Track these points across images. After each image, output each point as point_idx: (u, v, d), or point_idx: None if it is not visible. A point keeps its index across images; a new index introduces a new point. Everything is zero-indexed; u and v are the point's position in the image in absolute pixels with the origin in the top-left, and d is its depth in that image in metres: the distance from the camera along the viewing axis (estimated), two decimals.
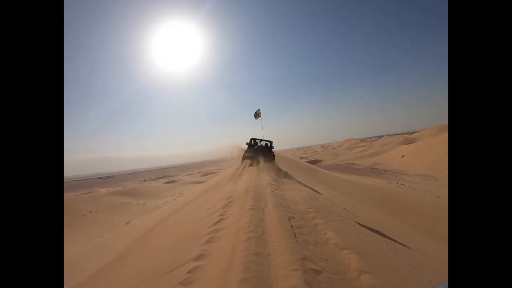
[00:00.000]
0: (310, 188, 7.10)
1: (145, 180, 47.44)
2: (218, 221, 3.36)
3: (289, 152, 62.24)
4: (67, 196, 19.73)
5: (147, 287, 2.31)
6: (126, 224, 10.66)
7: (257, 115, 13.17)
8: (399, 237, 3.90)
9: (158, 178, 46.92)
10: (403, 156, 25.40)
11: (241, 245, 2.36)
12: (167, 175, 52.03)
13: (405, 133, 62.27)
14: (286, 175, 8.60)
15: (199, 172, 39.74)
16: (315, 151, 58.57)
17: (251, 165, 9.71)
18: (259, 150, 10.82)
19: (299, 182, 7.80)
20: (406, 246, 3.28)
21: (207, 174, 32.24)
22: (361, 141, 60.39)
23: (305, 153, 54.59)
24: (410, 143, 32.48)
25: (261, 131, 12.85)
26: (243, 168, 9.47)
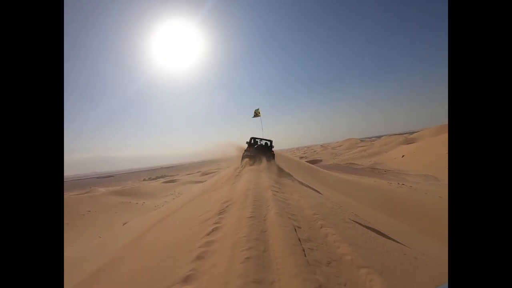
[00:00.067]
0: (313, 190, 6.97)
1: (144, 180, 47.46)
2: (212, 231, 2.97)
3: (288, 152, 62.32)
4: (66, 195, 19.74)
5: None
6: (123, 225, 10.64)
7: (256, 114, 13.17)
8: (412, 242, 3.68)
9: (157, 177, 46.95)
10: (403, 156, 25.44)
11: (238, 267, 1.96)
12: (166, 174, 52.07)
13: (405, 133, 62.38)
14: (287, 176, 8.47)
15: (198, 172, 39.75)
16: (315, 151, 58.66)
17: (251, 164, 9.69)
18: (259, 149, 10.84)
19: (302, 183, 7.69)
20: (424, 255, 3.08)
21: (206, 174, 32.23)
22: (361, 141, 60.51)
23: (304, 153, 54.63)
24: (410, 143, 32.52)
25: (261, 131, 12.87)
26: (243, 168, 9.40)
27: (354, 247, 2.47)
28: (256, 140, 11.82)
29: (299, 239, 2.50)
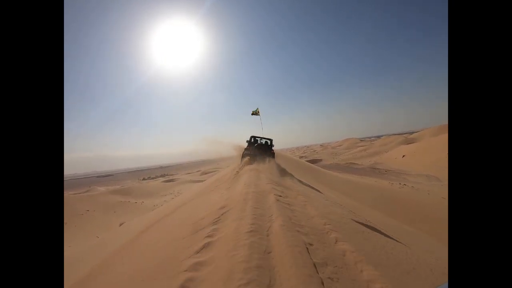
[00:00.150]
0: (317, 190, 6.78)
1: (144, 179, 47.44)
2: (203, 247, 2.52)
3: (288, 151, 62.30)
4: (65, 194, 19.73)
5: None
6: (120, 225, 10.61)
7: (254, 112, 13.18)
8: (419, 246, 3.51)
9: (157, 176, 46.93)
10: (404, 156, 25.47)
11: None
12: (166, 173, 52.07)
13: (405, 133, 62.45)
14: (289, 176, 8.26)
15: (198, 171, 39.75)
16: (315, 151, 58.69)
17: (250, 163, 9.66)
18: (259, 148, 10.87)
19: (304, 184, 7.53)
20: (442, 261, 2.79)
21: (206, 173, 32.22)
22: (361, 140, 60.60)
23: (304, 153, 54.64)
24: (410, 143, 32.55)
25: (261, 131, 12.89)
26: (242, 167, 9.22)
27: (379, 268, 2.07)
28: (257, 138, 11.85)
29: (314, 264, 2.02)
